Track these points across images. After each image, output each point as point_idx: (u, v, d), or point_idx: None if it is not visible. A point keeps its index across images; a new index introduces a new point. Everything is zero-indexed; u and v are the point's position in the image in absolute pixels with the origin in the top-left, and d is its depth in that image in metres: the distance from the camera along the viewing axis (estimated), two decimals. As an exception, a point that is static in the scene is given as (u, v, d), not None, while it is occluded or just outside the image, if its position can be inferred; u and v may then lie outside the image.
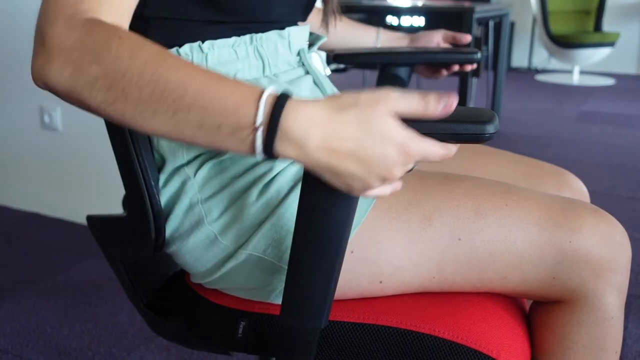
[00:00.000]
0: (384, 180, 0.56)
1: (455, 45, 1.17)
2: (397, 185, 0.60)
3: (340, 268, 0.66)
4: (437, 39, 1.17)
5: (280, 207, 0.72)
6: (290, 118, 0.53)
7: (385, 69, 1.11)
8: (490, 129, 0.56)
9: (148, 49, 0.57)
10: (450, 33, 1.17)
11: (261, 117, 0.53)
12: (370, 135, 0.54)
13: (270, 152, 0.54)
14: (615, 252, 0.71)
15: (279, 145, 0.54)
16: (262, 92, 0.54)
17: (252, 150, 0.55)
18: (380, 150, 0.54)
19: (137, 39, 0.58)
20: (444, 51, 1.14)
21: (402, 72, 1.11)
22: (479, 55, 1.09)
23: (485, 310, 0.75)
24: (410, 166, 0.57)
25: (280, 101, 0.54)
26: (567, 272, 0.71)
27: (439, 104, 0.54)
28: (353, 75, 4.81)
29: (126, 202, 0.79)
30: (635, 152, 3.30)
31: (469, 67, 1.11)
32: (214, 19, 0.74)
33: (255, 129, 0.54)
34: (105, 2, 0.61)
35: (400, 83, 1.10)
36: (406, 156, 0.55)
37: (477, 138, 0.56)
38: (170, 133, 0.57)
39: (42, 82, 0.60)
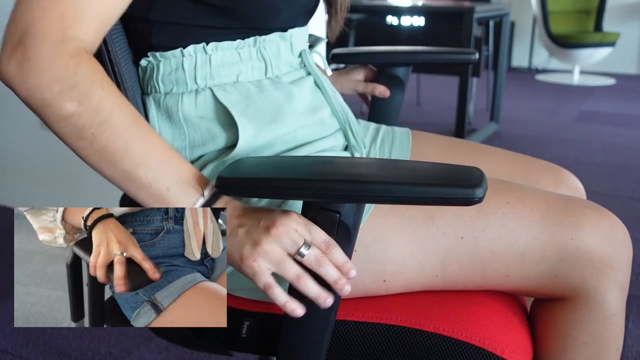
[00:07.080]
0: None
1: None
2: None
3: (337, 313, 0.67)
4: (359, 77, 1.12)
5: (283, 206, 0.72)
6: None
7: (384, 69, 1.11)
8: (480, 192, 0.55)
9: (128, 112, 0.63)
10: (370, 75, 1.12)
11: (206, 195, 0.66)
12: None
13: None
14: (617, 249, 0.72)
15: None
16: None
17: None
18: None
19: (120, 97, 0.63)
20: (443, 52, 1.14)
21: (401, 72, 1.11)
22: (476, 56, 1.09)
23: (488, 308, 0.75)
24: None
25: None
26: (569, 270, 0.71)
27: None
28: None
29: (127, 202, 0.79)
30: (635, 152, 3.30)
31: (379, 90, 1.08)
32: (221, 25, 0.75)
33: (202, 195, 0.66)
34: (89, 31, 0.63)
35: (398, 83, 1.10)
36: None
37: (466, 202, 0.55)
38: (115, 181, 0.64)
39: (6, 83, 0.61)
